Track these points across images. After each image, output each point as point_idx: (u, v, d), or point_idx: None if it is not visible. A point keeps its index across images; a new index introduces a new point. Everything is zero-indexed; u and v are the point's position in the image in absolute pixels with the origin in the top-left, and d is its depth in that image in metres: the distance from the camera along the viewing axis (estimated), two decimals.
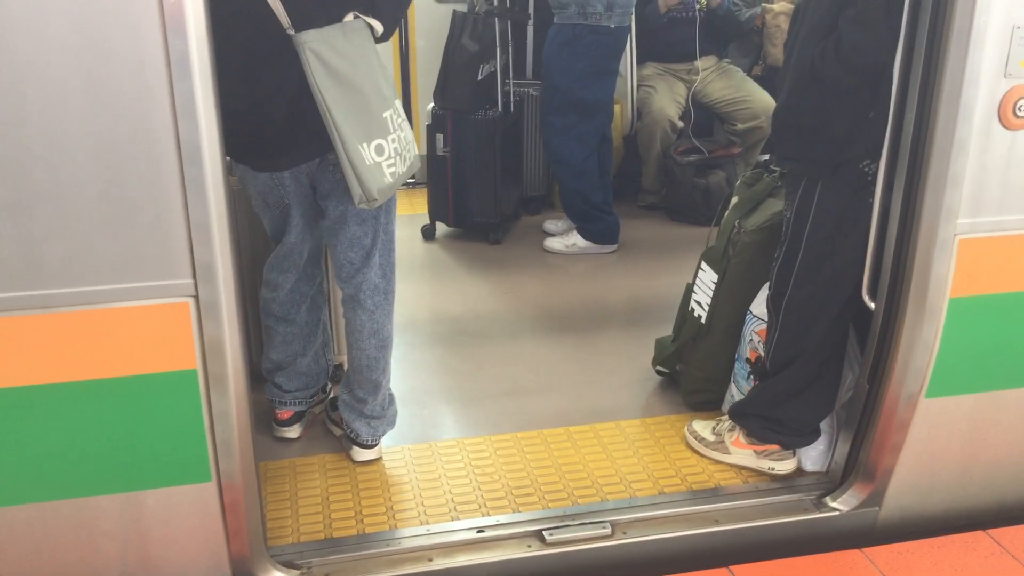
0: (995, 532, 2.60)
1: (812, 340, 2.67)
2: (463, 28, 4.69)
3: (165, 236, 1.91)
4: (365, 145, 2.36)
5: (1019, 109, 2.23)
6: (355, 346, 2.78)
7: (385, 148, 2.41)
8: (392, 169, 2.43)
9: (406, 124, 2.53)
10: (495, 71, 4.84)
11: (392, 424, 2.93)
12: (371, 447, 2.89)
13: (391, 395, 2.93)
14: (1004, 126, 2.25)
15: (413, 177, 5.94)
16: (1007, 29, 2.15)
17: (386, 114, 2.43)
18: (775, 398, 2.78)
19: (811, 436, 2.81)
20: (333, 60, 2.30)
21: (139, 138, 1.84)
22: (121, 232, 1.89)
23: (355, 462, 2.89)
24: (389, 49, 5.74)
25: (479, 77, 4.70)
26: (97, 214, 1.87)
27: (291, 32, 2.28)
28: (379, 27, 2.46)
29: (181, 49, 1.79)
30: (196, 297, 1.97)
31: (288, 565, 2.38)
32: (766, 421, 2.80)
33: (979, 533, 2.60)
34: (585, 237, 4.81)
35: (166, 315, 1.97)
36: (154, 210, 1.89)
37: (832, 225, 2.55)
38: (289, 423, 2.99)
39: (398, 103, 2.51)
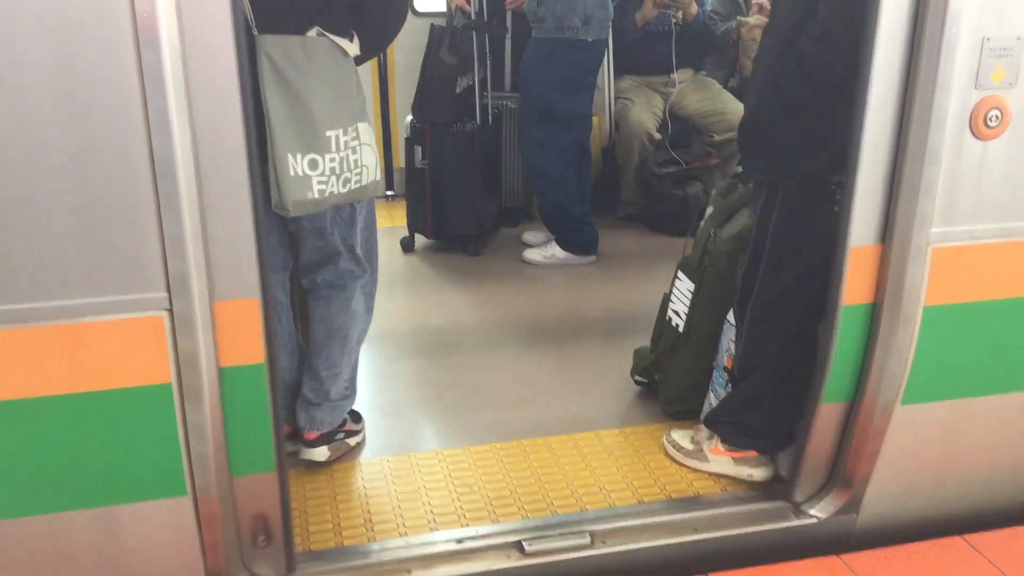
0: (971, 537, 2.62)
1: (776, 345, 2.69)
2: (441, 42, 4.70)
3: (138, 250, 1.90)
4: (298, 156, 2.40)
5: (990, 119, 2.26)
6: (307, 333, 2.83)
7: (320, 164, 2.43)
8: (323, 187, 2.45)
9: (366, 150, 2.54)
10: (473, 84, 4.86)
11: (332, 422, 2.89)
12: (311, 444, 2.86)
13: (342, 401, 2.91)
14: (976, 136, 2.27)
15: (391, 193, 5.96)
16: (977, 41, 2.18)
17: (331, 133, 2.44)
18: (744, 404, 2.80)
19: (784, 441, 2.82)
20: (286, 69, 2.36)
21: (112, 152, 1.83)
22: (94, 246, 1.88)
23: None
24: (368, 63, 5.74)
25: (457, 90, 4.71)
26: (70, 228, 1.85)
27: (254, 32, 2.33)
28: (351, 48, 2.50)
29: (155, 63, 1.79)
30: (170, 310, 1.95)
31: None
32: (738, 427, 2.82)
33: (955, 538, 2.61)
34: (564, 248, 4.82)
35: (140, 329, 1.96)
36: (127, 224, 1.88)
37: (793, 232, 2.58)
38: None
39: (362, 127, 2.53)
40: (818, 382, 2.50)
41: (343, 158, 2.47)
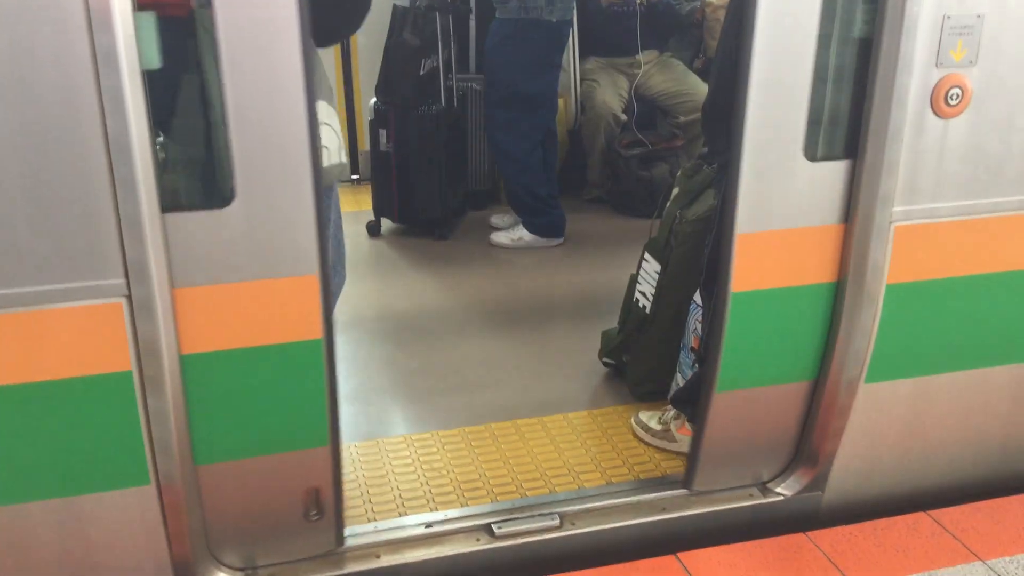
0: (935, 513, 2.65)
1: None
2: (404, 23, 4.66)
3: (95, 235, 1.86)
4: None
5: (951, 97, 2.27)
6: None
7: None
8: None
9: (324, 129, 2.37)
10: (437, 66, 4.82)
11: None
12: None
13: None
14: (937, 114, 2.29)
15: (356, 177, 5.88)
16: (938, 18, 2.19)
17: None
18: None
19: None
20: None
21: (67, 135, 1.78)
22: (49, 231, 1.83)
23: None
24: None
25: (421, 72, 4.67)
26: (24, 213, 1.81)
27: (192, 4, 2.21)
28: None
29: (108, 44, 1.75)
30: (129, 297, 1.92)
31: (233, 566, 2.34)
32: None
33: (920, 515, 2.64)
34: (531, 231, 4.81)
35: (98, 316, 1.92)
36: (83, 208, 1.84)
37: None
38: None
39: (320, 106, 2.39)
40: (711, 371, 2.46)
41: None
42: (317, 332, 2.13)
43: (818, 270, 2.41)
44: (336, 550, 2.40)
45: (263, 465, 2.23)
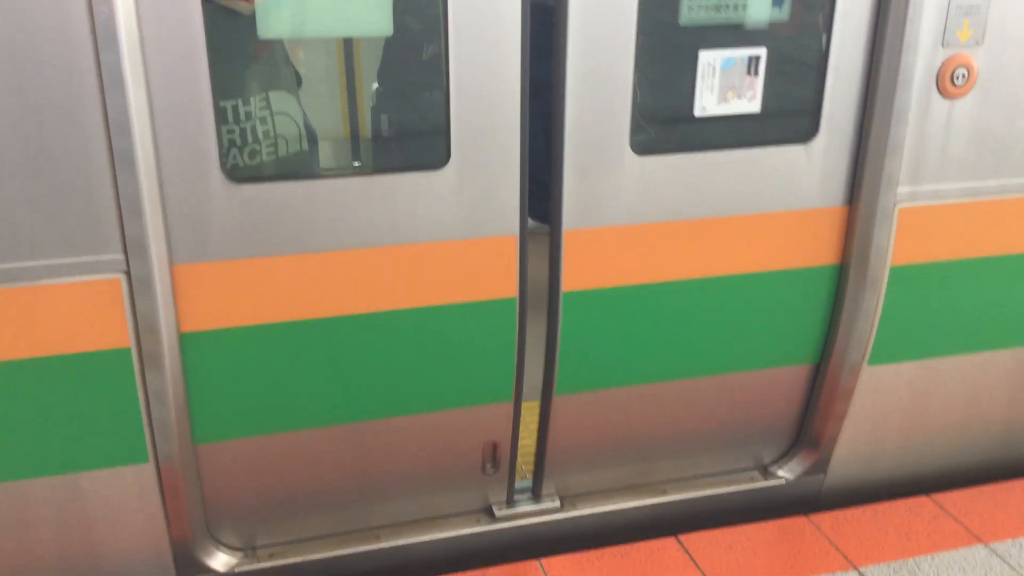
0: (938, 496, 2.64)
1: None
2: None
3: (94, 210, 1.85)
4: None
5: (957, 78, 2.25)
6: None
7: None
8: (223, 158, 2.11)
9: (282, 120, 2.27)
10: None
11: None
12: None
13: None
14: (942, 95, 2.26)
15: None
16: None
17: (225, 104, 2.12)
18: None
19: None
20: None
21: (65, 109, 1.77)
22: (48, 207, 1.82)
23: None
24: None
25: None
26: (22, 188, 1.80)
27: None
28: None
29: (106, 16, 1.73)
30: (128, 273, 1.91)
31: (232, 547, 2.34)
32: None
33: (922, 498, 2.63)
34: None
35: (96, 292, 1.90)
36: (82, 183, 1.83)
37: None
38: None
39: (275, 96, 2.26)
40: (550, 374, 2.40)
41: (245, 130, 2.16)
42: (513, 290, 2.20)
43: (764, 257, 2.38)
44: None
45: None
